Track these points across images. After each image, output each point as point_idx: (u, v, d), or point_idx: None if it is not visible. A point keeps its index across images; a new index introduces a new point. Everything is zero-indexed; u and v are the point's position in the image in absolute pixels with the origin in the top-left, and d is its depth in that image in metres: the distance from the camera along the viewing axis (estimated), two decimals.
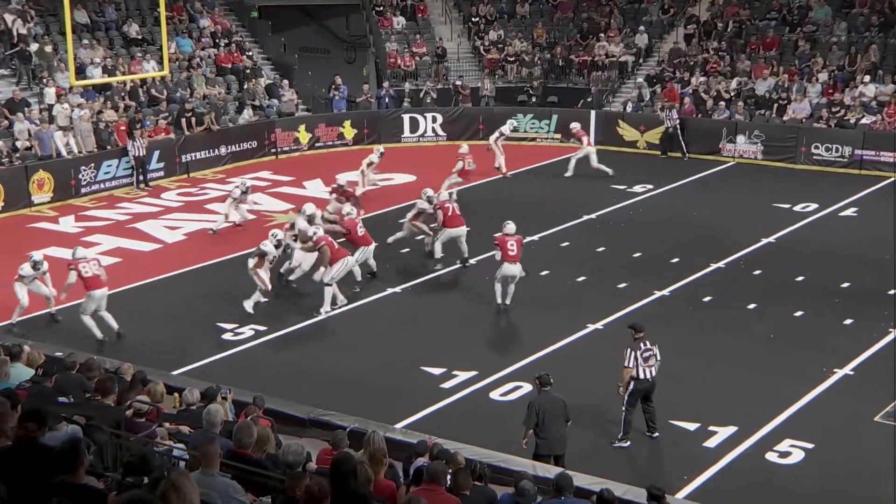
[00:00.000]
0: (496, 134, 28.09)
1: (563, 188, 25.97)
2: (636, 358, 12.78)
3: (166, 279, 19.76)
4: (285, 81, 32.16)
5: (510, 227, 17.65)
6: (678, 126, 29.36)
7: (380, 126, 31.65)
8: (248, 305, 17.56)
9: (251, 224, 22.78)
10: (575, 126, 28.54)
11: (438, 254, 20.02)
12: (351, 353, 16.19)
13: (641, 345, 12.87)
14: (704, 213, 23.68)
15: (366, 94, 32.43)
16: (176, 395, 12.04)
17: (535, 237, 21.11)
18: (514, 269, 17.37)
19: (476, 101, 33.18)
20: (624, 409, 12.96)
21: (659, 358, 12.96)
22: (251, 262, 17.78)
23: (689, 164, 28.40)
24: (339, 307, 17.82)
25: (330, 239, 18.05)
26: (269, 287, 17.70)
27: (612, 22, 35.19)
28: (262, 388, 12.61)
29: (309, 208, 19.72)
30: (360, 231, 18.90)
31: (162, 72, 27.24)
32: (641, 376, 12.82)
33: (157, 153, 27.24)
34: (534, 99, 33.61)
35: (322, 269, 17.88)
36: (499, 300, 17.67)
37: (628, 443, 13.08)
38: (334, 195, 22.32)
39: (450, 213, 19.80)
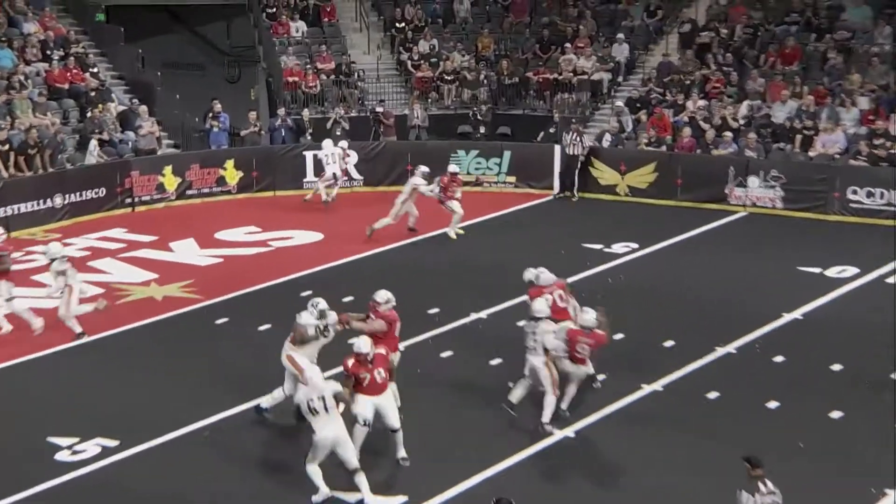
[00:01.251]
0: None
1: (521, 248, 26.01)
2: None
3: None
4: (144, 108, 31.97)
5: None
6: (583, 159, 30.22)
7: (274, 167, 31.60)
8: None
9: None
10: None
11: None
12: (234, 469, 15.87)
13: (761, 486, 12.53)
14: (706, 281, 23.82)
15: (254, 125, 32.39)
16: None
17: (483, 314, 21.01)
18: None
19: (403, 133, 33.34)
20: None
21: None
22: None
23: (688, 215, 28.63)
24: None
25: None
26: None
27: (582, 28, 35.70)
28: None
29: (322, 303, 17.62)
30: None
31: None
32: None
33: None
34: (480, 130, 33.85)
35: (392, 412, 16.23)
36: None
37: None
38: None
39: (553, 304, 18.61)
